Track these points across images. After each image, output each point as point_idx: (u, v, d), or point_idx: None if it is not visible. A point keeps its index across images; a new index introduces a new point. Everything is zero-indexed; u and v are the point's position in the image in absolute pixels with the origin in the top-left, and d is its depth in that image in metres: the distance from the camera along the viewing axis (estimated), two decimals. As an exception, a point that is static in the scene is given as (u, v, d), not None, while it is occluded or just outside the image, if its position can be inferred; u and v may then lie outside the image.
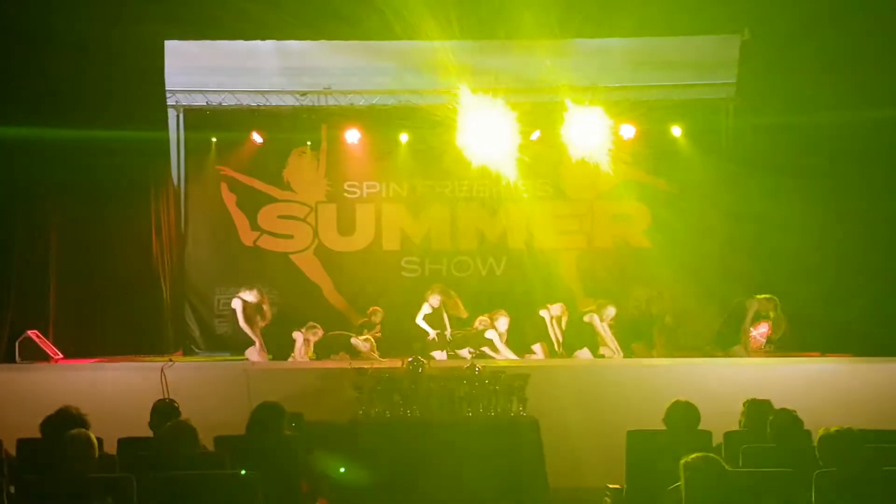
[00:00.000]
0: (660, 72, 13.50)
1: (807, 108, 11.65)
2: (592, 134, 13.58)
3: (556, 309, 12.64)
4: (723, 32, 12.58)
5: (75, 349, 11.67)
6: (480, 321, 12.41)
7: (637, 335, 12.63)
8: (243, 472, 5.58)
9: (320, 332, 12.15)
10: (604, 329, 12.09)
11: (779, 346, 12.51)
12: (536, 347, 12.43)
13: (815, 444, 5.48)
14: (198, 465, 5.71)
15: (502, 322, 12.24)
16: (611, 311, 12.29)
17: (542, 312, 12.58)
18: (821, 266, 11.87)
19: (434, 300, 12.20)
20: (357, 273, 14.40)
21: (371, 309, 13.31)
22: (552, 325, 12.52)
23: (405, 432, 8.83)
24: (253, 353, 12.14)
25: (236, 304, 12.31)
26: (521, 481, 8.64)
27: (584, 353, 11.89)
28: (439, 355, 11.60)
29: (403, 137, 14.44)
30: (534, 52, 13.09)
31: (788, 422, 6.12)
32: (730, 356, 11.21)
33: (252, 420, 6.67)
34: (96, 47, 11.85)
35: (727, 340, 11.52)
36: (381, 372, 9.04)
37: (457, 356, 11.86)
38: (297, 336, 12.09)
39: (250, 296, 12.38)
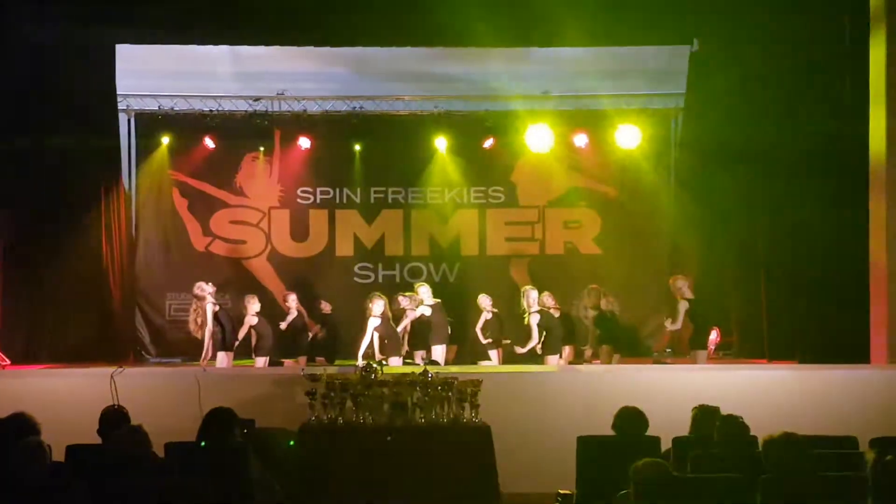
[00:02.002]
0: (611, 81, 13.67)
1: (753, 119, 11.86)
2: (544, 142, 13.73)
3: (486, 302, 12.64)
4: (673, 43, 12.76)
5: (24, 355, 11.53)
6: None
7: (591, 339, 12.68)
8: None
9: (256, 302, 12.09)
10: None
11: (728, 353, 12.74)
12: (493, 354, 12.48)
13: (761, 449, 5.57)
14: (148, 472, 5.67)
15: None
16: (532, 294, 12.28)
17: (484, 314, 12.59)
18: (768, 274, 12.07)
19: (378, 307, 11.91)
20: (310, 279, 14.37)
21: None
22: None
23: (357, 438, 8.83)
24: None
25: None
26: (472, 487, 8.67)
27: (554, 360, 11.92)
28: (395, 361, 11.60)
29: (357, 144, 14.43)
30: (487, 60, 13.20)
31: (735, 428, 6.20)
32: (694, 359, 11.35)
33: (203, 426, 6.64)
34: (46, 51, 11.75)
35: (696, 342, 11.65)
36: (334, 378, 9.03)
37: (413, 362, 11.88)
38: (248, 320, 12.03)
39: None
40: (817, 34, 11.14)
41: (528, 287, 12.40)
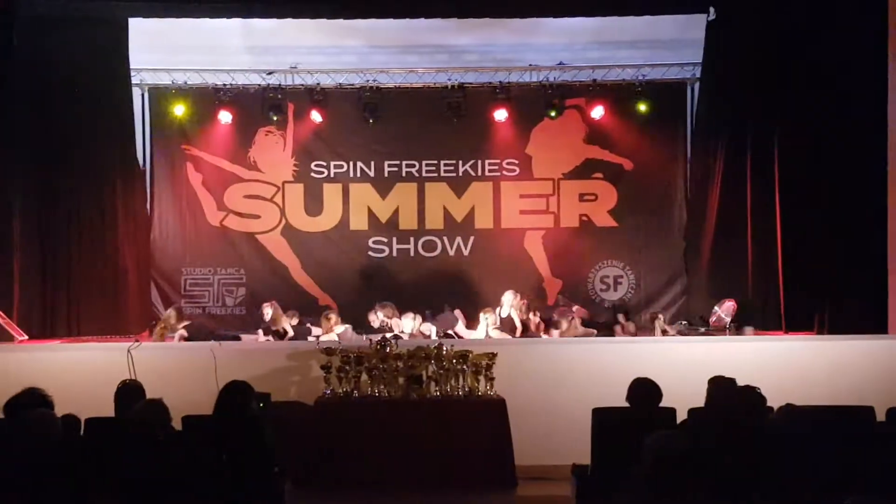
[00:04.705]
0: (626, 51, 13.58)
1: (770, 87, 11.74)
2: (559, 113, 13.69)
3: (508, 299, 12.44)
4: (689, 12, 12.62)
5: (40, 330, 11.58)
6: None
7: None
8: None
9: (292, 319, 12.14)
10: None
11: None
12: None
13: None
14: (165, 446, 5.69)
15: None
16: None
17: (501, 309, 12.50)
18: (785, 245, 11.95)
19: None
20: (324, 253, 14.38)
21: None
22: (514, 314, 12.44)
23: (372, 412, 8.86)
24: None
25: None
26: (487, 460, 8.70)
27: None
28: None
29: (370, 117, 14.37)
30: (501, 31, 13.12)
31: (751, 399, 6.17)
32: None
33: (220, 400, 6.66)
34: (59, 26, 11.74)
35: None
36: (349, 351, 9.05)
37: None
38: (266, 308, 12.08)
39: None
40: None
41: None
